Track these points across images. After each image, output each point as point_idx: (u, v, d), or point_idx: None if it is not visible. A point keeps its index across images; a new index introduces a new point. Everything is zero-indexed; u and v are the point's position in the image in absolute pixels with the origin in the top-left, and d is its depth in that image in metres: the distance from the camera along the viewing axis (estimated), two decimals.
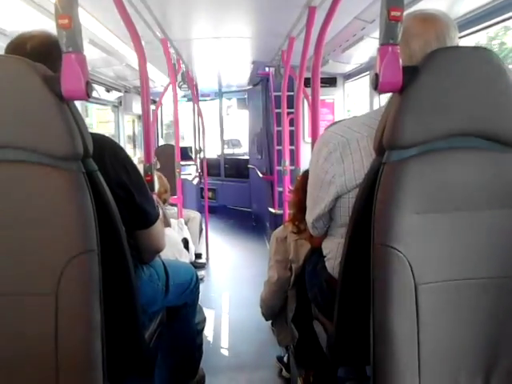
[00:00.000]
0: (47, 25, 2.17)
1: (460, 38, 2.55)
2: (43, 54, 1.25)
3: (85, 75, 1.02)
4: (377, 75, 1.01)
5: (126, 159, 1.44)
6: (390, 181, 1.03)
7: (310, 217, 1.47)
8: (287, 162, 3.40)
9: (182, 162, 3.96)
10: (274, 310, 2.30)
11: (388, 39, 0.99)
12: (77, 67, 1.01)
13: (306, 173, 2.02)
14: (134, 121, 6.34)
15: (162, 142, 7.28)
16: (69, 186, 1.04)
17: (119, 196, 1.33)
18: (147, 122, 2.27)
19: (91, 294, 1.03)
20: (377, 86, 1.01)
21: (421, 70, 1.02)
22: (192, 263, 3.44)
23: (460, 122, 1.04)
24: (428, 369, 1.00)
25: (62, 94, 1.01)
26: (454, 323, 1.03)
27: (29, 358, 1.03)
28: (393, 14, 0.97)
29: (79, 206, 1.04)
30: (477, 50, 1.07)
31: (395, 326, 0.99)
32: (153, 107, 5.46)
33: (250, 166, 7.31)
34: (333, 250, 1.42)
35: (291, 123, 4.02)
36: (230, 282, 4.46)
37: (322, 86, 2.28)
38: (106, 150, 1.35)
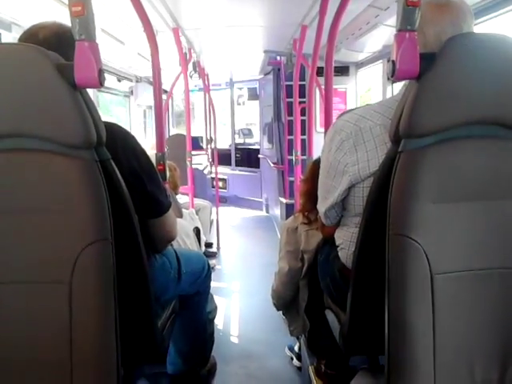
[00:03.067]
0: (61, 14, 2.17)
1: (476, 24, 2.52)
2: (55, 43, 1.25)
3: (97, 63, 1.01)
4: (393, 62, 0.99)
5: (138, 147, 1.43)
6: (406, 170, 1.01)
7: (322, 206, 1.46)
8: (299, 152, 3.38)
9: (193, 152, 3.96)
10: (286, 300, 2.30)
11: (405, 25, 0.98)
12: (90, 55, 1.00)
13: (316, 162, 2.01)
14: (144, 111, 6.34)
15: (173, 132, 7.30)
16: (82, 175, 1.04)
17: (131, 184, 1.33)
18: (160, 111, 2.26)
19: (105, 283, 1.03)
20: (393, 74, 1.00)
21: (438, 56, 1.00)
22: (203, 252, 3.45)
23: (478, 109, 1.02)
24: (443, 359, 1.00)
25: (74, 82, 1.01)
26: (470, 313, 1.02)
27: (43, 346, 1.04)
28: None
29: (93, 194, 1.04)
30: (494, 36, 1.05)
31: (411, 315, 0.98)
32: (164, 97, 5.46)
33: (260, 155, 7.30)
34: (346, 239, 1.41)
35: (303, 113, 4.00)
36: (241, 271, 4.47)
37: (334, 75, 2.25)
38: (117, 139, 1.34)
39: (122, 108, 5.73)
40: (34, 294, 1.04)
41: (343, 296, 1.38)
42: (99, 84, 1.02)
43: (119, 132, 1.40)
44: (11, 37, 2.43)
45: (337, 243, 1.47)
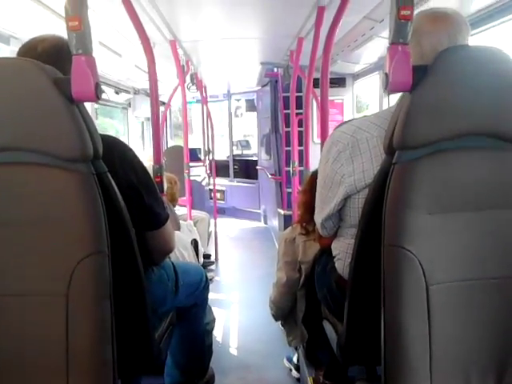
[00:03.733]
0: (59, 27, 2.19)
1: (471, 35, 2.54)
2: (54, 56, 1.26)
3: (94, 77, 1.02)
4: (386, 75, 1.01)
5: (135, 160, 1.44)
6: (400, 181, 1.02)
7: (319, 217, 1.47)
8: (296, 163, 3.39)
9: (191, 164, 3.97)
10: (284, 311, 2.30)
11: (398, 38, 0.99)
12: (86, 69, 1.01)
13: (315, 174, 2.02)
14: (142, 123, 6.36)
15: (171, 144, 7.31)
16: (79, 188, 1.04)
17: (128, 197, 1.34)
18: (156, 123, 2.27)
19: (101, 295, 1.04)
20: (387, 86, 1.01)
21: (431, 69, 1.01)
22: (201, 264, 3.44)
23: (470, 121, 1.03)
24: (439, 369, 1.00)
25: (71, 95, 1.02)
26: (465, 323, 1.02)
27: (40, 358, 1.04)
28: (403, 12, 0.96)
29: (90, 207, 1.04)
30: (487, 49, 1.06)
31: (406, 326, 0.99)
32: (162, 109, 5.48)
33: (258, 166, 7.31)
34: (343, 250, 1.42)
35: (300, 124, 4.02)
36: (239, 283, 4.46)
37: (330, 87, 2.27)
38: (114, 151, 1.35)
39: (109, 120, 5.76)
40: (31, 307, 1.04)
41: (340, 307, 1.38)
42: (96, 98, 1.03)
43: (117, 145, 1.41)
44: (9, 50, 2.45)
45: (333, 254, 1.48)
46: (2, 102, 1.04)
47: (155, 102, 2.22)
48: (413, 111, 1.01)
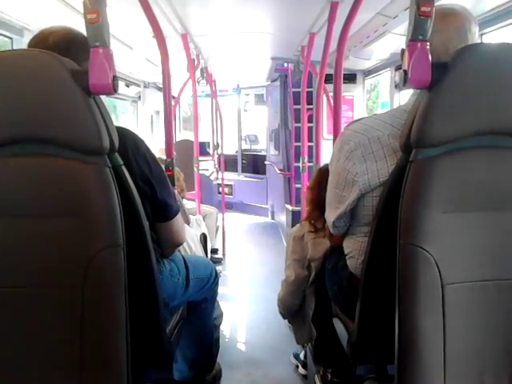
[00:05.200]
0: (71, 18, 2.19)
1: (485, 34, 2.52)
2: (65, 48, 1.26)
3: (111, 70, 1.03)
4: (405, 72, 1.00)
5: (148, 153, 1.44)
6: (417, 179, 1.01)
7: (331, 216, 1.46)
8: (306, 159, 3.38)
9: (200, 158, 3.97)
10: (292, 309, 2.29)
11: (417, 35, 0.98)
12: (104, 62, 1.02)
13: (322, 169, 2.01)
14: (152, 116, 6.37)
15: (180, 137, 7.32)
16: (95, 181, 1.04)
17: (142, 190, 1.34)
18: (169, 117, 2.27)
19: (117, 288, 1.04)
20: (405, 83, 1.00)
21: (450, 66, 1.00)
22: (209, 258, 3.45)
23: (490, 120, 1.02)
24: (453, 369, 0.99)
25: (89, 88, 1.02)
26: (480, 324, 1.02)
27: (54, 350, 1.05)
28: (423, 9, 0.96)
29: (106, 200, 1.04)
30: (506, 46, 1.05)
31: (421, 325, 0.98)
32: (172, 103, 5.47)
33: (267, 162, 7.30)
34: (355, 248, 1.41)
35: (309, 119, 4.01)
36: (247, 278, 4.47)
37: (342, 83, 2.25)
38: (128, 144, 1.35)
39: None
40: (47, 298, 1.05)
41: (351, 304, 1.38)
42: (113, 90, 1.03)
43: (130, 138, 1.40)
44: (22, 41, 2.45)
45: (345, 252, 1.47)
46: (20, 94, 1.04)
47: (168, 96, 2.22)
48: (431, 109, 1.00)
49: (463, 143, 1.02)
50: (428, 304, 0.99)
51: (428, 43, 0.99)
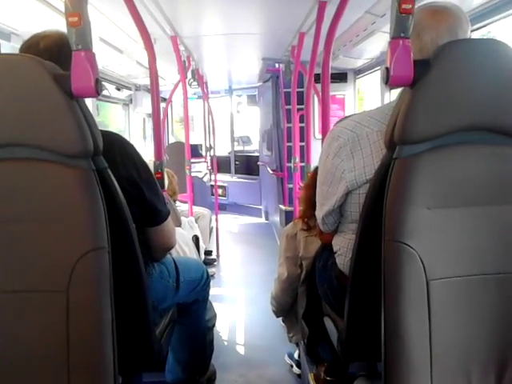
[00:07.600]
0: (59, 24, 2.18)
1: (474, 30, 2.53)
2: (56, 52, 1.26)
3: (94, 72, 1.02)
4: (387, 69, 1.00)
5: (136, 156, 1.44)
6: (401, 176, 1.02)
7: (319, 213, 1.47)
8: (297, 159, 3.39)
9: (192, 160, 3.97)
10: (285, 306, 2.30)
11: (399, 32, 0.98)
12: (86, 65, 1.01)
13: (317, 169, 2.01)
14: (144, 119, 6.36)
15: (172, 140, 7.30)
16: (79, 184, 1.04)
17: (129, 193, 1.34)
18: (157, 119, 2.27)
19: (102, 291, 1.03)
20: (388, 80, 1.00)
21: (432, 63, 1.01)
22: (203, 260, 3.45)
23: (471, 116, 1.02)
24: (440, 365, 1.00)
25: (71, 91, 1.02)
26: (466, 319, 1.02)
27: (40, 355, 1.04)
28: (404, 6, 0.96)
29: (90, 203, 1.04)
30: (488, 42, 1.06)
31: (407, 321, 0.98)
32: (163, 105, 5.48)
33: (260, 162, 7.30)
34: (343, 246, 1.42)
35: (301, 119, 4.01)
36: (241, 279, 4.46)
37: (332, 82, 2.26)
38: (115, 147, 1.35)
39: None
40: (31, 303, 1.04)
41: (341, 303, 1.38)
42: (96, 93, 1.03)
43: (117, 141, 1.40)
44: (10, 46, 2.44)
45: (334, 250, 1.47)
46: (2, 98, 1.04)
47: (156, 98, 2.22)
48: (414, 106, 1.01)
49: (446, 139, 1.02)
50: (413, 300, 0.99)
51: (409, 40, 0.99)
